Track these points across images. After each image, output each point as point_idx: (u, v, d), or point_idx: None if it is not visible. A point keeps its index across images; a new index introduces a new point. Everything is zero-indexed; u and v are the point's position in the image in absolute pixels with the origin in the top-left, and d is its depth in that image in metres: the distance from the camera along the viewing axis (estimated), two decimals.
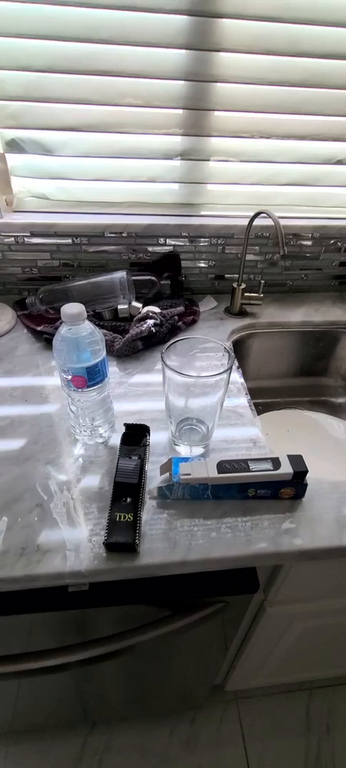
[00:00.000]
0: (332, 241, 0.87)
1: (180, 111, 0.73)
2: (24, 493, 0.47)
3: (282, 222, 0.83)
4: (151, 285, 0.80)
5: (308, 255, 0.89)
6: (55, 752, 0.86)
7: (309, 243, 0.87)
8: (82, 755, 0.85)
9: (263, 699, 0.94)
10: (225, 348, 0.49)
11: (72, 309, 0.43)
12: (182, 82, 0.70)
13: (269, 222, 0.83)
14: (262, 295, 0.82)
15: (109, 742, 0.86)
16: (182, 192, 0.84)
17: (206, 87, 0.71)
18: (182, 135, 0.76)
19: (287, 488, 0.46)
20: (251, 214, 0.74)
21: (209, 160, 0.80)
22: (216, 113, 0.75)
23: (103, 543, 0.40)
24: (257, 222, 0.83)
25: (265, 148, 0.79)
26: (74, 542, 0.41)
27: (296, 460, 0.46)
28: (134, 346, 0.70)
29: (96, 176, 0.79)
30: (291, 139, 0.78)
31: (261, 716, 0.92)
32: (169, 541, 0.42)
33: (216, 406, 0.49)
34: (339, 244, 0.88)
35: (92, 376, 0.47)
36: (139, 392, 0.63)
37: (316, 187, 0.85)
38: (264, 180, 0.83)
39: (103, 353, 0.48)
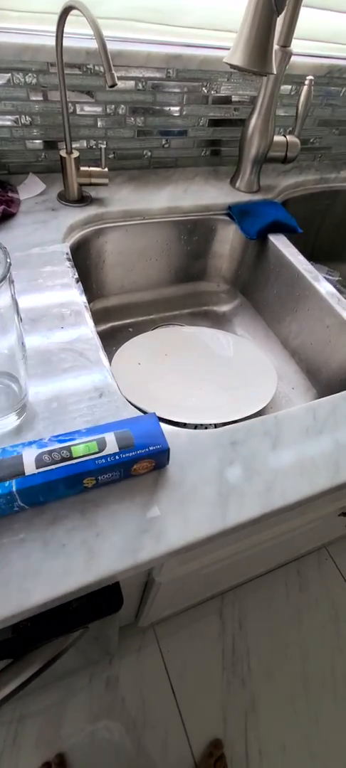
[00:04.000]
0: (196, 84, 0.64)
1: None
2: None
3: (115, 45, 0.57)
4: None
5: (166, 109, 0.65)
6: None
7: (170, 85, 0.62)
8: None
9: (178, 617, 0.92)
10: None
11: None
12: None
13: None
14: (106, 169, 0.57)
15: (23, 711, 0.78)
16: None
17: None
18: None
19: (142, 462, 0.29)
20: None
21: None
22: None
23: None
24: (80, 44, 0.54)
25: None
26: None
27: (142, 424, 0.29)
28: None
29: None
30: None
31: (178, 632, 0.90)
32: None
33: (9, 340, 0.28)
34: (205, 90, 0.66)
35: None
36: None
37: None
38: None
39: None
